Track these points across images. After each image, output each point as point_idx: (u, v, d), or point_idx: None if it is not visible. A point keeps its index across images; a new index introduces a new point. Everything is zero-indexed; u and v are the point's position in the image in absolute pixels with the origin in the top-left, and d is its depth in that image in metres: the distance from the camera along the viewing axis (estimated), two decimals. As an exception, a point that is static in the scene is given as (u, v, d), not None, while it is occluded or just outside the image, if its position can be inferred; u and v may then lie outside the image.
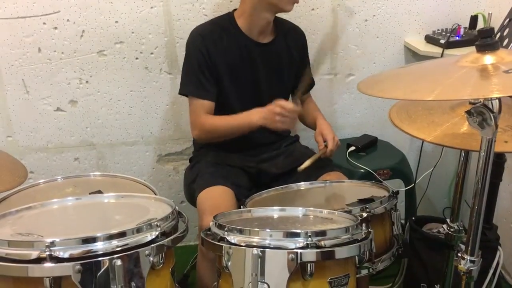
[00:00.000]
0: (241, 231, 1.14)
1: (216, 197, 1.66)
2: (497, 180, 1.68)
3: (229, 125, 1.73)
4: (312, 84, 2.02)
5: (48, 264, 0.98)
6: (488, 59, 1.03)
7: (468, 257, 1.18)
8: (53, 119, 2.09)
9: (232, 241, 1.13)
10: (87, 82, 2.05)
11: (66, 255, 0.99)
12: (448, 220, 1.51)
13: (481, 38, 1.04)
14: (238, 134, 1.74)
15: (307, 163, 1.71)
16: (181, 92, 1.82)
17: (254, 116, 1.67)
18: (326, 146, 1.77)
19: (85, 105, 2.09)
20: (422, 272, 1.83)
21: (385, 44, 2.21)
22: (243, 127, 1.71)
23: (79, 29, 1.97)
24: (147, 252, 1.05)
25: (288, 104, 1.63)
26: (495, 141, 1.06)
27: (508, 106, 1.38)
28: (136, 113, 2.14)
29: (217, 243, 1.15)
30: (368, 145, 2.16)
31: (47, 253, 0.98)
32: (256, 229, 1.14)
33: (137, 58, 2.05)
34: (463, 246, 1.22)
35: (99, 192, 1.46)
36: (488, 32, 1.02)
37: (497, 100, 1.03)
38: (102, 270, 1.00)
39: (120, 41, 2.01)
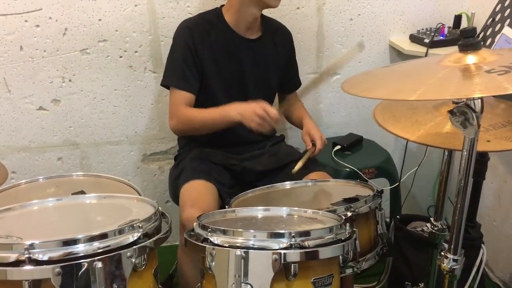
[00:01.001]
0: (224, 232, 1.13)
1: (198, 190, 1.64)
2: (480, 179, 1.70)
3: (206, 117, 1.70)
4: (298, 83, 2.02)
5: (27, 267, 0.96)
6: (471, 59, 1.03)
7: (451, 256, 1.18)
8: (35, 118, 2.06)
9: (216, 242, 1.12)
10: (70, 80, 2.03)
11: (45, 258, 0.97)
12: (432, 219, 1.52)
13: (464, 38, 1.04)
14: (215, 127, 1.70)
15: (299, 165, 1.71)
16: (163, 83, 1.80)
17: (232, 111, 1.63)
18: (313, 145, 1.77)
19: (68, 104, 2.06)
20: (406, 270, 1.84)
21: (370, 43, 2.22)
22: (219, 120, 1.66)
23: (62, 27, 1.94)
24: (129, 253, 1.03)
25: (272, 110, 1.57)
26: (477, 141, 1.07)
27: (490, 105, 1.40)
28: (121, 112, 2.12)
29: (200, 244, 1.14)
30: (353, 144, 2.17)
31: (26, 255, 0.96)
32: (240, 229, 1.13)
33: (121, 57, 2.03)
34: (446, 245, 1.23)
35: (82, 192, 1.44)
36: (470, 32, 1.03)
37: (479, 100, 1.04)
38: (83, 272, 0.98)
39: (104, 39, 1.99)
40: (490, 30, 1.79)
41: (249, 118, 1.58)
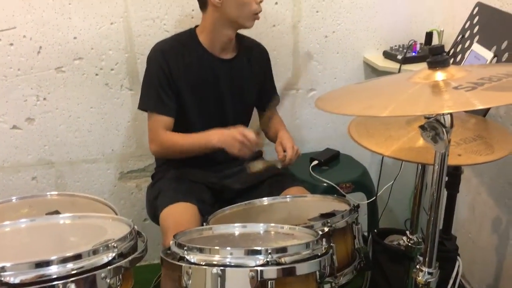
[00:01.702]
0: (201, 250, 1.13)
1: (179, 214, 1.64)
2: (455, 192, 1.73)
3: (188, 142, 1.72)
4: (277, 100, 2.03)
5: (-2, 291, 0.95)
6: (439, 75, 1.06)
7: (426, 269, 1.19)
8: (9, 137, 2.02)
9: (192, 260, 1.12)
10: (44, 99, 2.00)
11: (17, 281, 0.96)
12: (407, 232, 1.53)
13: (432, 55, 1.07)
14: (196, 153, 1.73)
15: (259, 165, 1.69)
16: (140, 107, 1.80)
17: (214, 137, 1.66)
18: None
19: (42, 123, 2.04)
20: (384, 284, 1.85)
21: (345, 60, 2.26)
22: (201, 146, 1.70)
23: (36, 45, 1.93)
24: (103, 274, 1.03)
25: (251, 135, 1.61)
26: (448, 155, 1.09)
27: (461, 120, 1.43)
28: (97, 130, 2.10)
29: (176, 262, 1.13)
30: (330, 159, 2.19)
31: (-3, 279, 0.95)
32: (216, 247, 1.13)
33: (97, 75, 2.02)
34: (421, 258, 1.24)
35: (56, 212, 1.42)
36: (438, 50, 1.05)
37: (449, 115, 1.06)
38: (56, 295, 0.97)
39: (79, 57, 1.98)
40: (460, 46, 1.84)
41: (230, 145, 1.62)
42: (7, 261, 0.97)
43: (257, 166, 1.69)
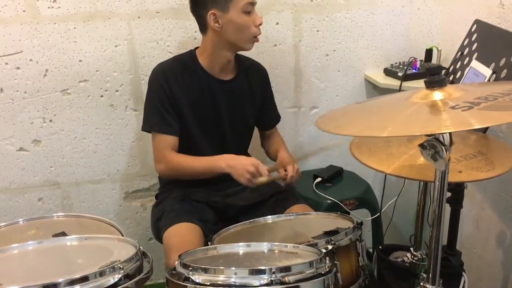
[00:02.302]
0: (206, 270, 1.14)
1: (182, 234, 1.65)
2: (458, 207, 1.73)
3: (195, 165, 1.75)
4: (278, 118, 2.05)
5: (7, 313, 0.96)
6: (437, 95, 1.08)
7: (429, 286, 1.20)
8: (15, 159, 2.05)
9: (197, 281, 1.13)
10: (51, 121, 2.04)
11: (25, 304, 0.97)
12: (411, 249, 1.54)
13: (430, 75, 1.09)
14: (202, 176, 1.76)
15: (262, 179, 1.69)
16: (144, 129, 1.83)
17: (222, 163, 1.69)
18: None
19: (49, 144, 2.07)
20: (390, 301, 1.84)
21: (347, 77, 2.28)
22: (208, 170, 1.73)
23: (42, 68, 1.97)
24: (109, 296, 1.04)
25: (263, 169, 1.65)
26: (448, 173, 1.11)
27: (462, 137, 1.45)
28: (102, 150, 2.13)
29: (181, 283, 1.14)
30: (334, 175, 2.20)
31: (6, 302, 0.96)
32: (221, 267, 1.14)
33: (102, 96, 2.06)
34: (425, 275, 1.24)
35: (63, 233, 1.44)
36: (435, 70, 1.08)
37: (447, 134, 1.08)
38: (63, 317, 0.98)
39: (85, 79, 2.02)
40: (459, 63, 1.87)
41: (239, 174, 1.65)
42: (16, 284, 0.99)
43: (260, 179, 1.71)
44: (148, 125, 1.80)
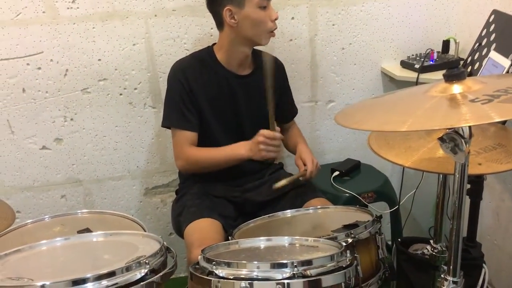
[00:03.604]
0: (229, 264, 1.16)
1: (203, 229, 1.68)
2: (478, 199, 1.73)
3: (215, 158, 1.78)
4: (295, 112, 2.07)
5: (39, 308, 0.99)
6: (456, 88, 1.08)
7: (450, 278, 1.20)
8: (38, 157, 2.10)
9: (221, 275, 1.15)
10: (71, 119, 2.08)
11: (56, 298, 1.00)
12: (431, 241, 1.54)
13: (448, 68, 1.09)
14: (222, 166, 1.78)
15: (283, 182, 1.76)
16: (164, 125, 1.86)
17: (241, 150, 1.72)
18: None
19: (70, 142, 2.11)
20: (410, 293, 1.85)
21: (363, 71, 2.28)
22: (230, 160, 1.76)
23: (63, 68, 2.00)
24: (136, 290, 1.06)
25: (268, 132, 1.68)
26: (468, 165, 1.11)
27: (482, 129, 1.44)
28: (122, 148, 2.17)
29: (205, 277, 1.17)
30: (351, 169, 2.20)
31: (38, 297, 0.99)
32: (244, 261, 1.16)
33: (121, 94, 2.09)
34: (445, 267, 1.25)
35: (87, 230, 1.47)
36: (453, 63, 1.08)
37: (467, 127, 1.08)
38: (92, 311, 1.01)
39: (104, 78, 2.05)
40: (477, 54, 1.85)
41: (255, 152, 1.69)
42: (46, 280, 1.02)
43: (281, 183, 1.74)
44: (168, 121, 1.83)
